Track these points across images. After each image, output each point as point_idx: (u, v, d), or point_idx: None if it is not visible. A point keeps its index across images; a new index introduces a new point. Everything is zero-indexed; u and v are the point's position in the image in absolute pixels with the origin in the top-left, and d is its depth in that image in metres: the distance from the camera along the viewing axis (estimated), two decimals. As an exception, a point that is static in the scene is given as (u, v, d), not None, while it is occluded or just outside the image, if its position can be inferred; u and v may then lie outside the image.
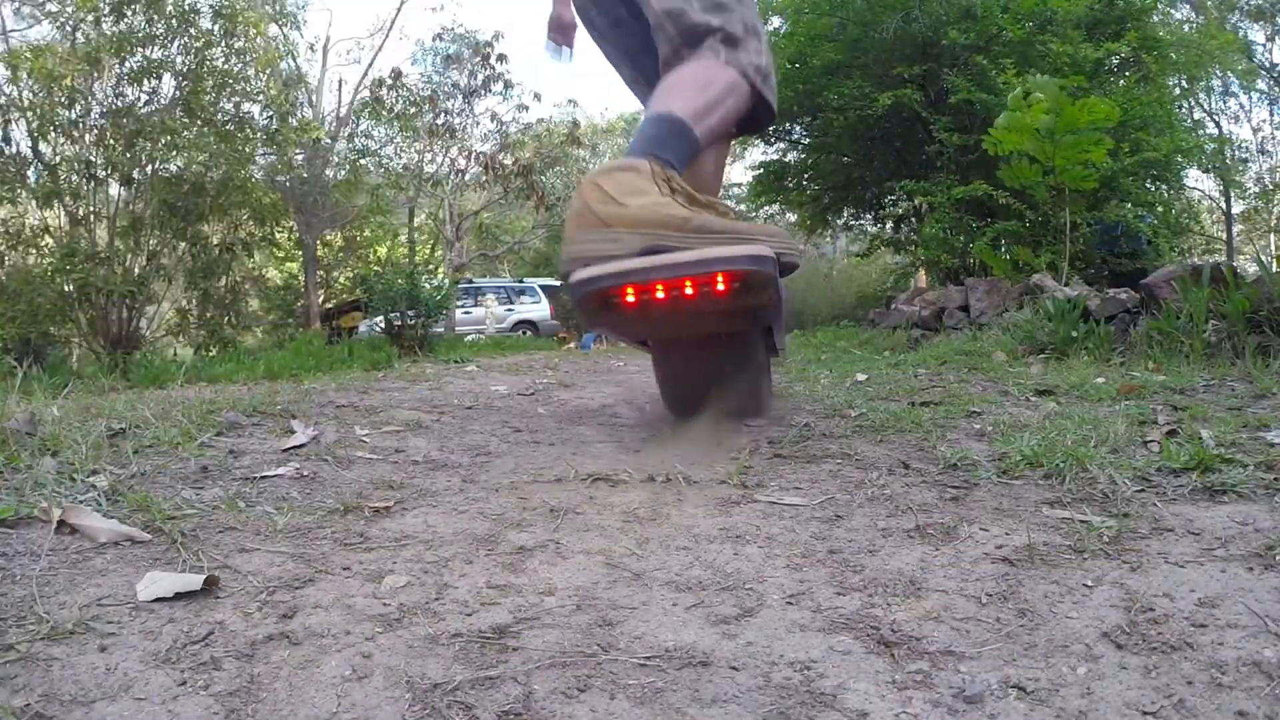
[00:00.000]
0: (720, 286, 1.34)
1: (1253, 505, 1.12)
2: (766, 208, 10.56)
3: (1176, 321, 2.83)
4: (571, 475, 1.49)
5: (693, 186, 1.42)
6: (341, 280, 15.69)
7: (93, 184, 7.50)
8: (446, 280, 9.18)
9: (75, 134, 7.35)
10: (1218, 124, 15.04)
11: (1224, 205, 15.51)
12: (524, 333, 13.77)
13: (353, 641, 0.81)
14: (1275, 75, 14.91)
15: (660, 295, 1.33)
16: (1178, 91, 9.48)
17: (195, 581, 0.89)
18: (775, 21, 8.50)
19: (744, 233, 1.41)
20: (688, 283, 1.32)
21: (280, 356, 5.65)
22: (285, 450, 1.56)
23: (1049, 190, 4.82)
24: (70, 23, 7.52)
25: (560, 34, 2.08)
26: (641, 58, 1.84)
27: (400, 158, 12.66)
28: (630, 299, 1.35)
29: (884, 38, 6.98)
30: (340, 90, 16.90)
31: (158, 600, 0.86)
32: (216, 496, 1.23)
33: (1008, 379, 2.60)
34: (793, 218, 12.11)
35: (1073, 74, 5.87)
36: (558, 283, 17.08)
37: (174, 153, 7.66)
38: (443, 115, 11.86)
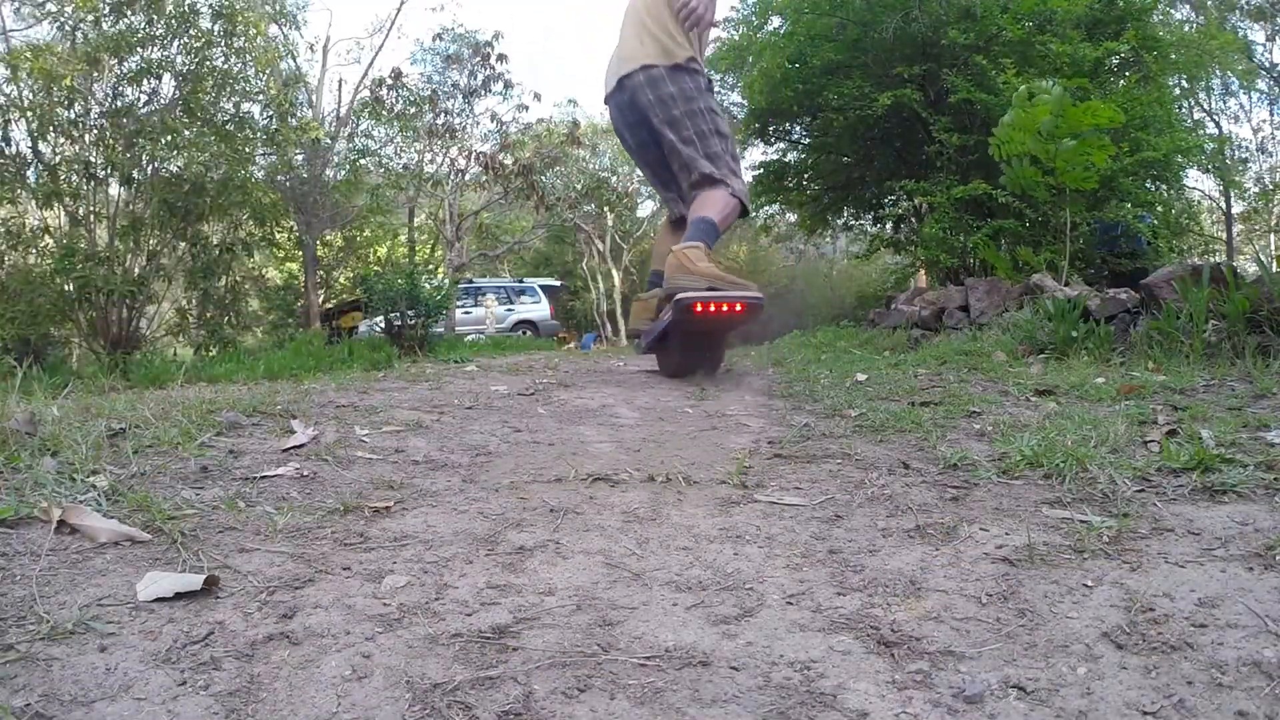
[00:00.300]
0: (739, 309, 2.70)
1: (1253, 505, 1.12)
2: (766, 207, 10.55)
3: (1176, 321, 2.83)
4: (571, 475, 1.49)
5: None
6: (341, 280, 15.69)
7: (92, 184, 7.50)
8: (446, 280, 9.17)
9: (75, 134, 7.35)
10: (1218, 124, 15.04)
11: (1224, 205, 15.52)
12: (524, 333, 13.76)
13: (353, 641, 0.81)
14: (1275, 75, 14.91)
15: (712, 309, 2.66)
16: (1178, 91, 9.48)
17: (195, 581, 0.89)
18: (775, 21, 8.51)
19: (749, 286, 2.78)
20: (725, 305, 2.66)
21: (280, 356, 5.65)
22: (285, 450, 1.56)
23: (1049, 190, 4.83)
24: (70, 23, 7.52)
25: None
26: (659, 168, 3.09)
27: (400, 158, 12.67)
28: (699, 309, 2.66)
29: (884, 38, 6.98)
30: (340, 90, 16.91)
31: (158, 600, 0.86)
32: (216, 496, 1.23)
33: (1008, 379, 2.60)
34: (793, 218, 12.11)
35: (1073, 74, 5.87)
36: (557, 283, 17.12)
37: (174, 153, 7.66)
38: (443, 115, 11.86)
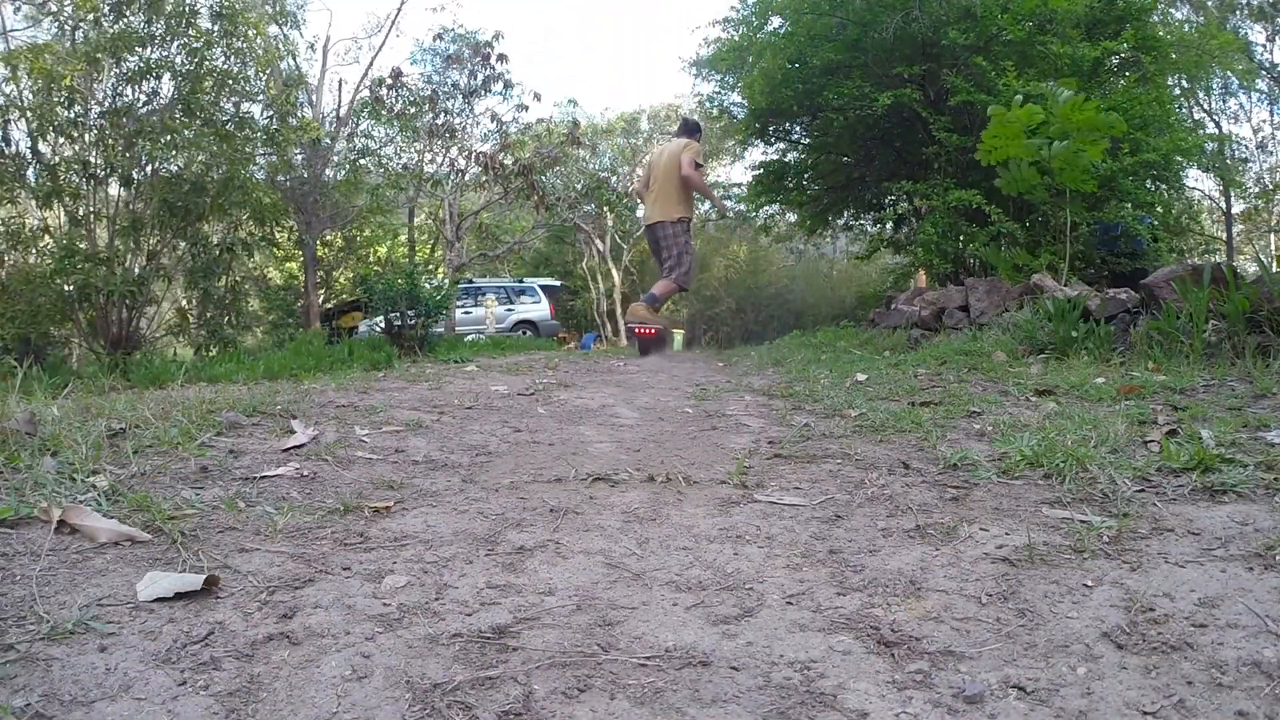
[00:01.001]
0: (654, 331, 6.07)
1: (1253, 505, 1.12)
2: (767, 207, 10.55)
3: (1176, 321, 2.83)
4: (571, 475, 1.49)
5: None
6: (341, 280, 15.67)
7: (92, 184, 7.49)
8: (446, 280, 9.17)
9: (75, 134, 7.35)
10: (1218, 124, 15.01)
11: (1224, 205, 15.51)
12: (524, 333, 13.74)
13: (353, 641, 0.81)
14: (1275, 75, 14.90)
15: (645, 331, 6.00)
16: (1177, 92, 9.46)
17: (195, 581, 0.89)
18: (775, 21, 8.49)
19: (662, 322, 6.36)
20: (649, 329, 5.99)
21: (280, 356, 5.64)
22: (285, 450, 1.56)
23: (1049, 191, 4.82)
24: (70, 22, 7.52)
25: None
26: (659, 259, 6.18)
27: (400, 158, 12.64)
28: (638, 331, 6.01)
29: (884, 38, 6.97)
30: (340, 90, 16.90)
31: (158, 600, 0.86)
32: (216, 496, 1.23)
33: (1008, 379, 2.60)
34: (793, 218, 12.09)
35: (1072, 74, 5.86)
36: (557, 283, 17.12)
37: (174, 153, 7.66)
38: (443, 115, 11.83)
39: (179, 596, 0.87)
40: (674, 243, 5.90)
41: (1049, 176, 4.68)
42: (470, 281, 14.49)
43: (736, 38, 9.08)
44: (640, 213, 6.49)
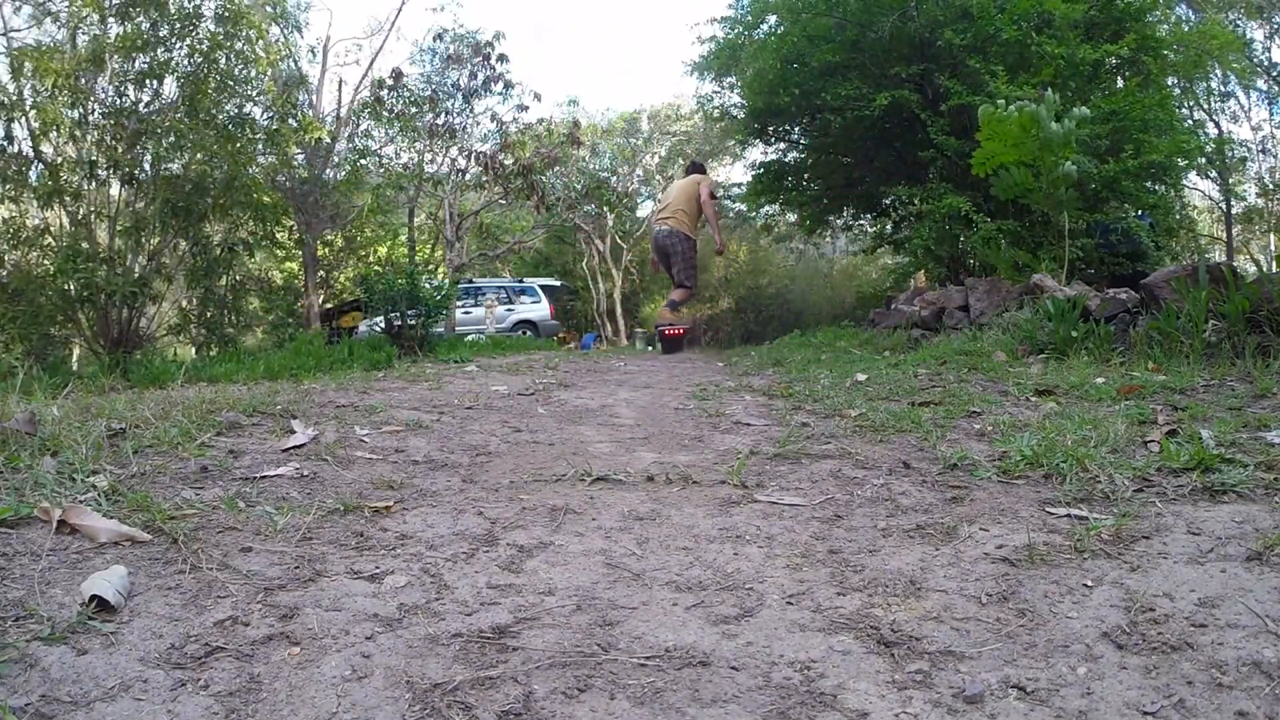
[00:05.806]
0: (681, 331, 7.83)
1: (1253, 505, 1.12)
2: (766, 207, 10.57)
3: (1176, 321, 2.83)
4: (571, 475, 1.49)
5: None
6: (341, 280, 15.67)
7: (94, 184, 7.48)
8: (446, 280, 9.16)
9: (77, 134, 7.34)
10: (1217, 125, 14.99)
11: (1224, 205, 15.49)
12: (524, 333, 13.73)
13: (353, 641, 0.81)
14: (1275, 75, 14.88)
15: (674, 331, 7.58)
16: (1177, 92, 9.47)
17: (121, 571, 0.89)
18: (771, 20, 8.47)
19: (685, 321, 8.46)
20: (680, 330, 7.75)
21: (280, 356, 5.63)
22: (285, 450, 1.56)
23: (1044, 194, 4.82)
24: (73, 20, 7.51)
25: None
26: (667, 265, 7.47)
27: (400, 158, 12.63)
28: (668, 332, 7.56)
29: (880, 37, 6.96)
30: (340, 91, 16.91)
31: (157, 599, 0.86)
32: (216, 496, 1.23)
33: (1008, 379, 2.60)
34: (792, 218, 12.09)
35: (1071, 76, 5.87)
36: (557, 283, 17.14)
37: (177, 153, 7.65)
38: (443, 115, 11.82)
39: (179, 597, 0.87)
40: (681, 251, 7.41)
41: (1043, 178, 4.69)
42: (470, 281, 14.49)
43: (731, 36, 9.07)
44: (654, 227, 7.91)
